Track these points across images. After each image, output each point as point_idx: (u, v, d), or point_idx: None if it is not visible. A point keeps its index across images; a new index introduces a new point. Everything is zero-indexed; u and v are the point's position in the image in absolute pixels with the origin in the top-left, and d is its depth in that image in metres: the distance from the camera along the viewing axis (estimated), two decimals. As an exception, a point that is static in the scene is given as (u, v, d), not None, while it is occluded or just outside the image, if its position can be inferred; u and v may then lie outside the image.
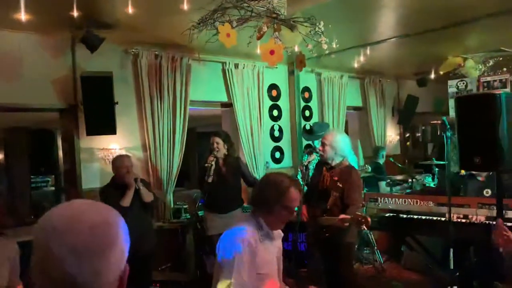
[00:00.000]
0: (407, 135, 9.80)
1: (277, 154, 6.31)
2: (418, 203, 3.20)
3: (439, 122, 10.71)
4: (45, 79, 4.21)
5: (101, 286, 0.81)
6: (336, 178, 3.14)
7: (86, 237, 0.79)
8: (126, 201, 3.68)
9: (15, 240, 2.26)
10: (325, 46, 3.37)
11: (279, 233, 2.13)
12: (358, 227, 2.78)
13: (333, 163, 3.25)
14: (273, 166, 6.20)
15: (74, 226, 0.80)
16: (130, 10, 3.60)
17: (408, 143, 9.53)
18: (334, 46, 4.00)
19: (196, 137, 9.87)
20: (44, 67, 4.20)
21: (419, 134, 10.76)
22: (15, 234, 3.14)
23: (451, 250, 2.83)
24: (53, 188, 6.64)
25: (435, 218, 3.28)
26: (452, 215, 3.03)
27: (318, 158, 3.45)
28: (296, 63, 3.66)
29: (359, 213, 2.75)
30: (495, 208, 2.66)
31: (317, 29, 3.41)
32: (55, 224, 0.81)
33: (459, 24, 4.61)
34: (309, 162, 3.35)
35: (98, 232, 0.81)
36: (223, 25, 3.17)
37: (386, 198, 3.39)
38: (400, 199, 3.31)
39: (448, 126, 3.02)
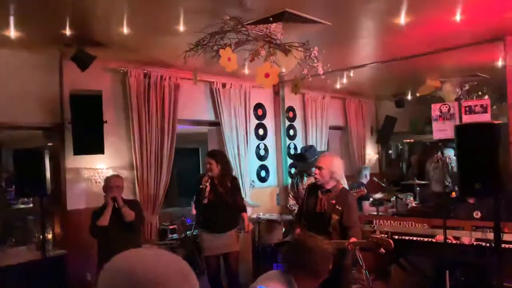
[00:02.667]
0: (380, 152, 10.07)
1: (263, 173, 6.33)
2: (413, 225, 3.29)
3: (412, 140, 11.12)
4: (32, 96, 4.10)
5: None
6: (333, 202, 3.18)
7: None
8: (102, 220, 3.66)
9: None
10: (321, 71, 3.45)
11: None
12: (375, 250, 2.81)
13: (329, 186, 3.29)
14: (259, 184, 6.21)
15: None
16: (125, 30, 3.60)
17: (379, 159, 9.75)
18: (322, 70, 4.13)
19: (175, 154, 9.75)
20: (31, 85, 4.09)
21: (392, 152, 11.07)
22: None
23: (447, 272, 2.91)
24: (30, 206, 6.37)
25: (426, 239, 3.37)
26: (441, 236, 3.13)
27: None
28: (292, 86, 3.72)
29: (376, 236, 2.79)
30: (488, 230, 2.77)
31: (312, 55, 3.49)
32: (140, 276, 0.79)
33: (438, 51, 4.85)
34: (308, 185, 3.37)
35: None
36: (224, 48, 3.19)
37: (382, 220, 3.46)
38: (396, 221, 3.40)
39: (444, 149, 3.14)
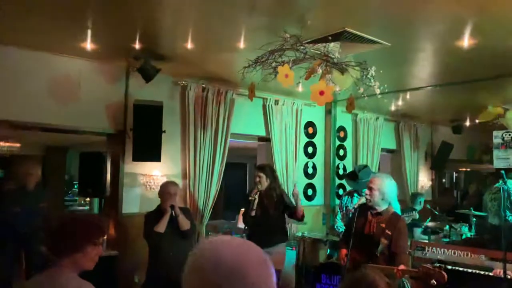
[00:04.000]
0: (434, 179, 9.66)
1: (310, 191, 6.30)
2: (469, 255, 3.13)
3: (469, 169, 10.56)
4: (99, 104, 4.40)
5: None
6: (383, 225, 3.11)
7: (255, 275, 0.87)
8: (160, 227, 3.75)
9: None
10: (377, 91, 3.43)
11: None
12: (426, 281, 2.69)
13: (379, 209, 3.21)
14: (305, 203, 6.17)
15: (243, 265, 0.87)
16: (189, 45, 3.79)
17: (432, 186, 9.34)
18: (378, 90, 4.09)
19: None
20: (99, 93, 4.40)
21: (447, 180, 10.57)
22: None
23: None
24: (86, 208, 6.76)
25: (482, 272, 3.19)
26: (499, 270, 2.95)
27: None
28: (346, 105, 3.72)
29: (429, 266, 2.68)
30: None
31: (369, 74, 3.48)
32: (228, 262, 0.87)
33: (501, 76, 4.65)
34: (359, 205, 3.31)
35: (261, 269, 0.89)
36: (282, 65, 3.28)
37: (434, 248, 3.33)
38: (450, 250, 3.25)
39: (506, 179, 2.99)
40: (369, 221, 3.23)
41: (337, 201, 5.77)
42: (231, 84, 5.08)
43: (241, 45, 3.77)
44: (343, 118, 6.64)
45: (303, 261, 5.29)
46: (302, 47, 3.49)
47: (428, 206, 6.16)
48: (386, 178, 3.33)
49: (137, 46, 3.85)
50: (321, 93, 3.89)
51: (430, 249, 3.34)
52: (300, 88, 4.76)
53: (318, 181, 6.42)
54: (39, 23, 3.45)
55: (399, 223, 3.11)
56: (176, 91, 4.92)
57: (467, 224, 5.59)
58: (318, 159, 6.43)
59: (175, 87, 4.90)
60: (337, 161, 6.59)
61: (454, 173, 9.90)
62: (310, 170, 6.32)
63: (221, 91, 5.07)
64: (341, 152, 6.71)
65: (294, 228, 5.77)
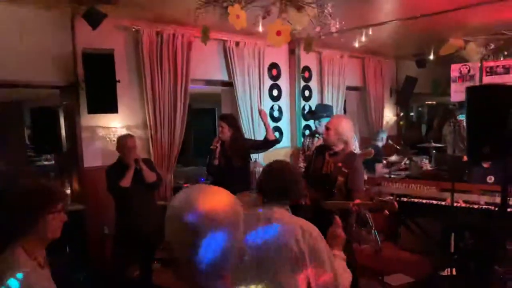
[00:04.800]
0: (401, 115, 9.88)
1: (276, 135, 6.31)
2: (421, 188, 3.27)
3: (434, 103, 10.79)
4: (45, 55, 4.13)
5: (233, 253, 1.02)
6: (340, 164, 3.18)
7: (227, 215, 1.02)
8: (126, 181, 3.71)
9: None
10: (333, 29, 3.34)
11: None
12: (380, 212, 2.83)
13: (336, 149, 3.27)
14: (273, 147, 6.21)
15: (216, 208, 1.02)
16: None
17: (401, 122, 9.58)
18: (335, 28, 3.99)
19: (192, 113, 9.82)
20: (44, 44, 4.11)
21: (413, 115, 10.83)
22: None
23: (452, 234, 2.92)
24: (52, 163, 6.61)
25: (435, 202, 3.36)
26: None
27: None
28: (304, 45, 3.62)
29: (382, 198, 2.80)
30: (497, 194, 2.73)
31: (325, 11, 3.37)
32: (203, 207, 1.00)
33: (462, 7, 4.59)
34: (317, 146, 3.36)
35: (232, 210, 1.05)
36: (232, 5, 3.11)
37: (389, 182, 3.45)
38: (403, 184, 3.38)
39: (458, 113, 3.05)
40: (327, 161, 3.29)
41: (303, 142, 5.84)
42: (187, 27, 4.84)
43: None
44: (307, 58, 6.53)
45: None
46: (254, -15, 3.32)
47: (390, 141, 6.32)
48: (342, 118, 3.36)
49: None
50: (278, 33, 3.77)
51: (386, 183, 3.46)
52: (260, 28, 4.61)
53: (284, 124, 6.43)
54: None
55: (355, 162, 3.18)
56: (128, 38, 4.65)
57: (428, 157, 5.80)
58: (283, 102, 6.39)
59: (128, 33, 4.64)
60: (303, 103, 6.58)
61: (419, 107, 10.11)
62: (276, 113, 6.30)
63: (177, 34, 4.83)
64: (307, 93, 6.68)
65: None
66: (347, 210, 3.04)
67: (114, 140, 4.53)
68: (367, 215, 4.90)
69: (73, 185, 4.57)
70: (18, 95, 6.23)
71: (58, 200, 1.76)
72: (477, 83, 3.91)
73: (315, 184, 3.24)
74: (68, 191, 4.54)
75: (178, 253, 1.02)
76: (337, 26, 3.94)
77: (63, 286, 2.01)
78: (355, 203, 2.91)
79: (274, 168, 2.10)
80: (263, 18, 3.88)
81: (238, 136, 4.12)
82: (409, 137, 9.12)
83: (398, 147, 6.12)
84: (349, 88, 7.40)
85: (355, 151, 4.24)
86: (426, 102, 10.63)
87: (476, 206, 3.09)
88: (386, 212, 2.76)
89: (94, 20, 3.90)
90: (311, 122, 5.87)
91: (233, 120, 4.15)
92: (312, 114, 4.68)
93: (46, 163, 7.66)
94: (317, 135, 4.64)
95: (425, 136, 9.26)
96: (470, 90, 2.42)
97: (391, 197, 3.00)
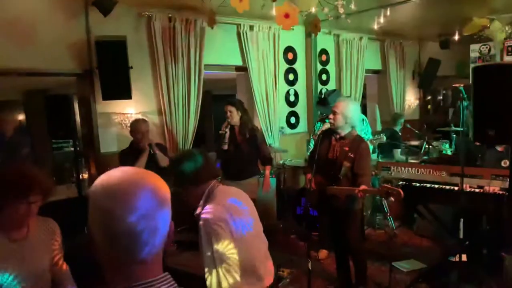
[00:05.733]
0: (428, 98, 9.56)
1: (292, 119, 6.28)
2: (431, 173, 3.18)
3: (462, 85, 10.38)
4: (60, 43, 4.22)
5: (159, 240, 0.92)
6: (346, 149, 3.13)
7: (146, 199, 0.90)
8: (139, 166, 3.78)
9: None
10: (341, 10, 3.25)
11: None
12: (385, 199, 2.78)
13: (342, 133, 3.22)
14: (288, 131, 6.19)
15: (135, 191, 0.90)
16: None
17: (429, 106, 9.29)
18: (352, 7, 3.88)
19: (211, 100, 9.87)
20: (58, 32, 4.20)
21: (440, 98, 10.48)
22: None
23: (462, 220, 2.84)
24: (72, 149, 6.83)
25: (447, 187, 3.26)
26: (465, 185, 3.01)
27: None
28: (311, 27, 3.55)
29: (387, 185, 2.75)
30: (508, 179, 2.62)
31: (333, -9, 3.28)
32: (115, 188, 0.91)
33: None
34: (322, 131, 3.31)
35: (156, 194, 0.92)
36: (235, -12, 3.08)
37: (399, 167, 3.37)
38: (414, 168, 3.30)
39: (465, 95, 2.93)
40: (333, 145, 3.24)
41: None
42: (200, 12, 4.83)
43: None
44: (324, 41, 6.40)
45: (284, 186, 5.43)
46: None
47: (408, 125, 6.15)
48: (349, 102, 3.28)
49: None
50: (286, 15, 3.72)
51: (395, 168, 3.38)
52: (274, 12, 4.55)
53: (301, 109, 6.37)
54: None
55: (361, 146, 3.13)
56: (141, 24, 4.69)
57: (448, 141, 5.62)
58: (300, 86, 6.32)
59: (140, 19, 4.67)
60: (320, 87, 6.48)
61: (443, 91, 9.77)
62: (292, 98, 6.24)
63: (190, 20, 4.84)
64: (324, 76, 6.57)
65: (278, 157, 5.85)
66: (353, 196, 3.01)
67: (129, 126, 4.62)
68: (383, 201, 4.84)
69: (90, 169, 4.71)
70: (38, 84, 6.43)
71: (27, 192, 1.74)
72: (498, 64, 3.73)
73: (321, 169, 3.21)
74: (86, 175, 4.68)
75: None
76: (353, 6, 3.85)
77: (78, 267, 2.12)
78: (360, 189, 2.87)
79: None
80: (274, 0, 3.83)
81: (247, 121, 4.10)
82: (434, 122, 8.85)
83: (417, 131, 5.94)
84: (368, 71, 7.23)
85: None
86: (453, 85, 10.25)
87: (487, 191, 2.98)
88: (392, 199, 2.71)
89: (105, 7, 3.96)
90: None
91: (240, 104, 4.14)
92: (323, 105, 4.58)
93: (72, 149, 7.93)
94: (327, 120, 4.57)
95: (450, 120, 8.96)
96: (477, 70, 2.31)
97: (401, 183, 2.93)
